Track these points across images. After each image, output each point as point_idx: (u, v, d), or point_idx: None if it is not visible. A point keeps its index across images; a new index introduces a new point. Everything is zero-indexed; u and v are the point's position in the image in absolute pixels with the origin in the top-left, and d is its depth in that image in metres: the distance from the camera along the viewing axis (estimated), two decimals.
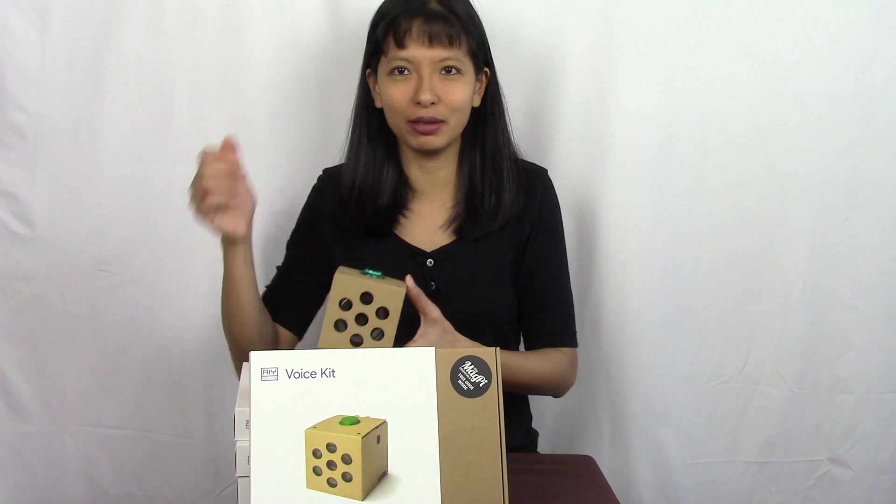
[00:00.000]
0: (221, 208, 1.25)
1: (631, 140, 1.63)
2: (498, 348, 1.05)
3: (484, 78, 1.43)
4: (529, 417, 1.60)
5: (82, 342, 1.69)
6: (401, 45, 1.35)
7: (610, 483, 1.36)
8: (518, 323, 1.48)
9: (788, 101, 1.64)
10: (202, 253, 1.65)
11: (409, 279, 1.22)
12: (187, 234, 1.64)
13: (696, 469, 1.78)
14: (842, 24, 1.62)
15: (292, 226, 1.51)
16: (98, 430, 1.72)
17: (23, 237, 1.65)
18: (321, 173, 1.52)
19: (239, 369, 1.33)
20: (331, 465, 1.00)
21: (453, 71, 1.36)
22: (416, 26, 1.34)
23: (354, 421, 1.00)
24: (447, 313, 1.27)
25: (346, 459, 0.99)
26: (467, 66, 1.38)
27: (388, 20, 1.36)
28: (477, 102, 1.43)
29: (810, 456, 1.78)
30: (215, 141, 1.25)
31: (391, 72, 1.37)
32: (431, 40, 1.34)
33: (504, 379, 1.05)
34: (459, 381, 1.03)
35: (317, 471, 1.00)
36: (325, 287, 1.47)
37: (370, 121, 1.44)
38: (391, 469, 1.00)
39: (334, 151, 1.49)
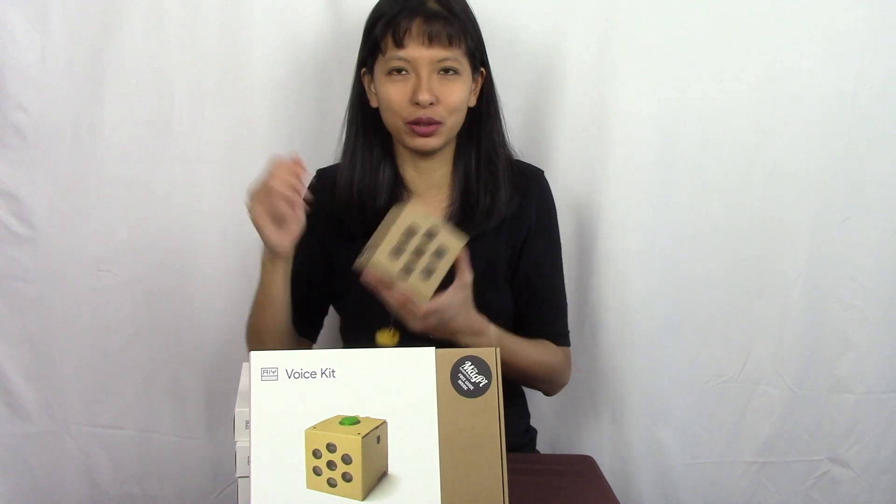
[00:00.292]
0: (279, 219, 1.25)
1: (631, 140, 1.63)
2: (498, 348, 1.05)
3: (480, 78, 1.43)
4: (527, 415, 1.59)
5: (82, 342, 1.68)
6: (400, 44, 1.34)
7: (610, 483, 1.36)
8: (513, 323, 1.48)
9: (788, 101, 1.64)
10: (202, 253, 1.66)
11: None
12: (187, 234, 1.65)
13: (696, 469, 1.78)
14: (842, 24, 1.62)
15: None
16: (98, 430, 1.72)
17: (23, 237, 1.64)
18: (314, 174, 1.52)
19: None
20: (331, 465, 1.00)
21: (451, 71, 1.36)
22: (416, 26, 1.33)
23: (354, 421, 1.00)
24: None
25: (346, 459, 0.99)
26: (465, 66, 1.38)
27: (386, 19, 1.35)
28: (473, 102, 1.42)
29: (810, 456, 1.78)
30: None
31: (389, 72, 1.36)
32: (431, 40, 1.34)
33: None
34: (459, 381, 1.03)
35: (317, 471, 1.00)
36: (329, 289, 1.48)
37: (365, 121, 1.43)
38: (391, 469, 1.00)
39: (334, 151, 1.49)
